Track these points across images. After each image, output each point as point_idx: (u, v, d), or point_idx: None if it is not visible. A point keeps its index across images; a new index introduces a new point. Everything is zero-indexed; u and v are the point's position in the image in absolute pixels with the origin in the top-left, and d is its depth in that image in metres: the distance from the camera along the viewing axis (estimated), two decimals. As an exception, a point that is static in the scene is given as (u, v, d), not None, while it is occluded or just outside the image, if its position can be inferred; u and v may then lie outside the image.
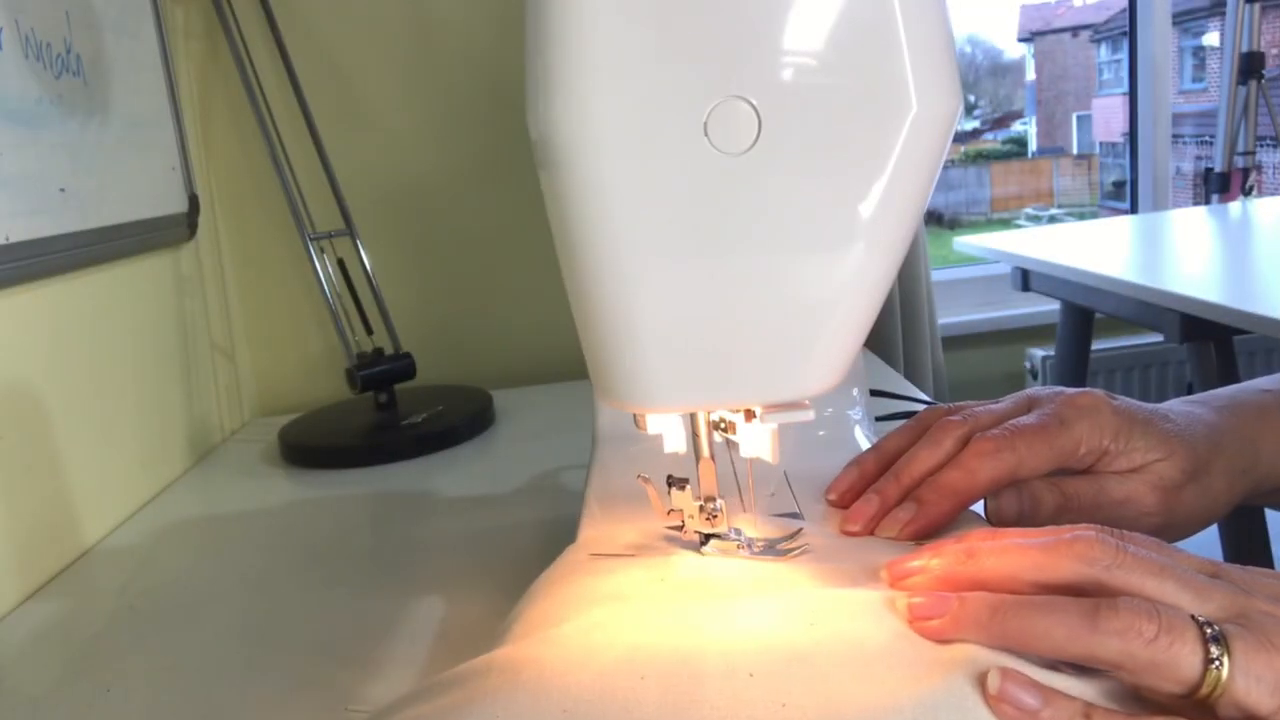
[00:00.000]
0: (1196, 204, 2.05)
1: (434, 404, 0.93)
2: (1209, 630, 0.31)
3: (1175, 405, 0.50)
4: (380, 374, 0.90)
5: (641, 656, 0.33)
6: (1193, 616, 0.31)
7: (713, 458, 0.44)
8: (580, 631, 0.36)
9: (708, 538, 0.43)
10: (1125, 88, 1.97)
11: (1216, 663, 0.30)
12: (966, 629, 0.34)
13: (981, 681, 0.31)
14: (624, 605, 0.38)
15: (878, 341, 1.33)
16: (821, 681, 0.32)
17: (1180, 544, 0.39)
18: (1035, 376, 1.82)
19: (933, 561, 0.37)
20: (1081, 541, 0.34)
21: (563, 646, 0.35)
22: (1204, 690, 0.30)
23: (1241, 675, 0.30)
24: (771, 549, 0.43)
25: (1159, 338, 1.29)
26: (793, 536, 0.44)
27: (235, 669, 0.52)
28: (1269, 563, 1.25)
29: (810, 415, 0.40)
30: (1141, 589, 0.33)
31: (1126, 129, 1.99)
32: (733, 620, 0.36)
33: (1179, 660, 0.30)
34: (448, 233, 1.09)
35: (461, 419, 0.90)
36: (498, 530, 0.67)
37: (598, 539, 0.46)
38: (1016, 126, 3.54)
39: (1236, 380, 1.19)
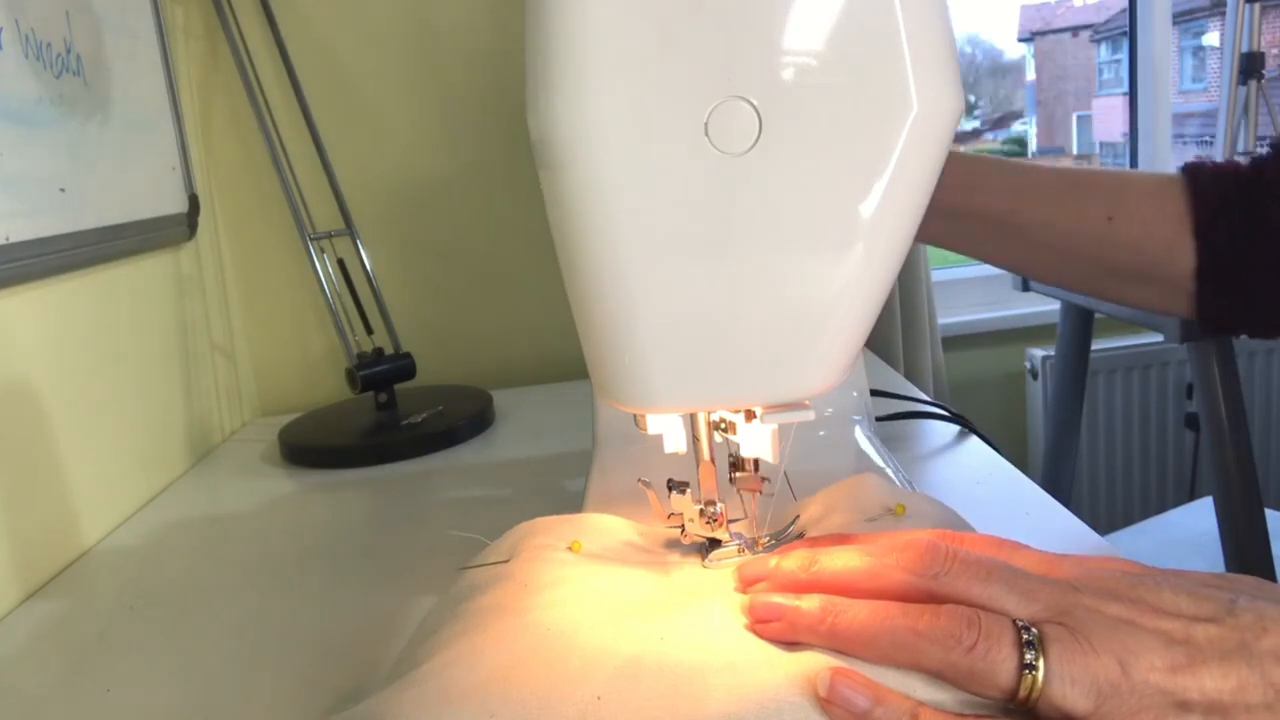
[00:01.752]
0: (1196, 204, 2.04)
1: (434, 404, 0.93)
2: (1025, 635, 0.31)
3: None
4: (380, 374, 0.90)
5: (494, 693, 0.33)
6: (1015, 621, 0.31)
7: (713, 461, 0.44)
8: (436, 670, 0.35)
9: (710, 543, 0.43)
10: (1125, 88, 1.97)
11: (1030, 668, 0.30)
12: (801, 633, 0.34)
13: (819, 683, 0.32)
14: (480, 637, 0.37)
15: (878, 341, 1.33)
16: (671, 693, 0.32)
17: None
18: (1035, 377, 1.82)
19: (780, 564, 0.38)
20: (912, 549, 0.35)
21: (419, 688, 0.34)
22: (1021, 694, 0.30)
23: (1056, 679, 0.30)
24: (773, 545, 0.43)
25: (1159, 338, 1.29)
26: (789, 526, 0.44)
27: (235, 669, 0.52)
28: (1269, 562, 1.25)
29: (810, 415, 0.40)
30: (967, 595, 0.33)
31: (1126, 129, 1.99)
32: (585, 643, 0.36)
33: (996, 668, 0.31)
34: (448, 233, 1.09)
35: (461, 419, 0.90)
36: (498, 530, 0.67)
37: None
38: (1016, 126, 3.54)
39: (1237, 380, 1.19)
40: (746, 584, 0.39)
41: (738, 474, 0.44)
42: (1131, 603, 0.32)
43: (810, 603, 0.35)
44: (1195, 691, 0.30)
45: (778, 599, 0.36)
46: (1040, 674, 0.30)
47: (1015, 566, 0.35)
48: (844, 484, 0.47)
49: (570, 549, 0.43)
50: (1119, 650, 0.30)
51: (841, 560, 0.36)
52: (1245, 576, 0.34)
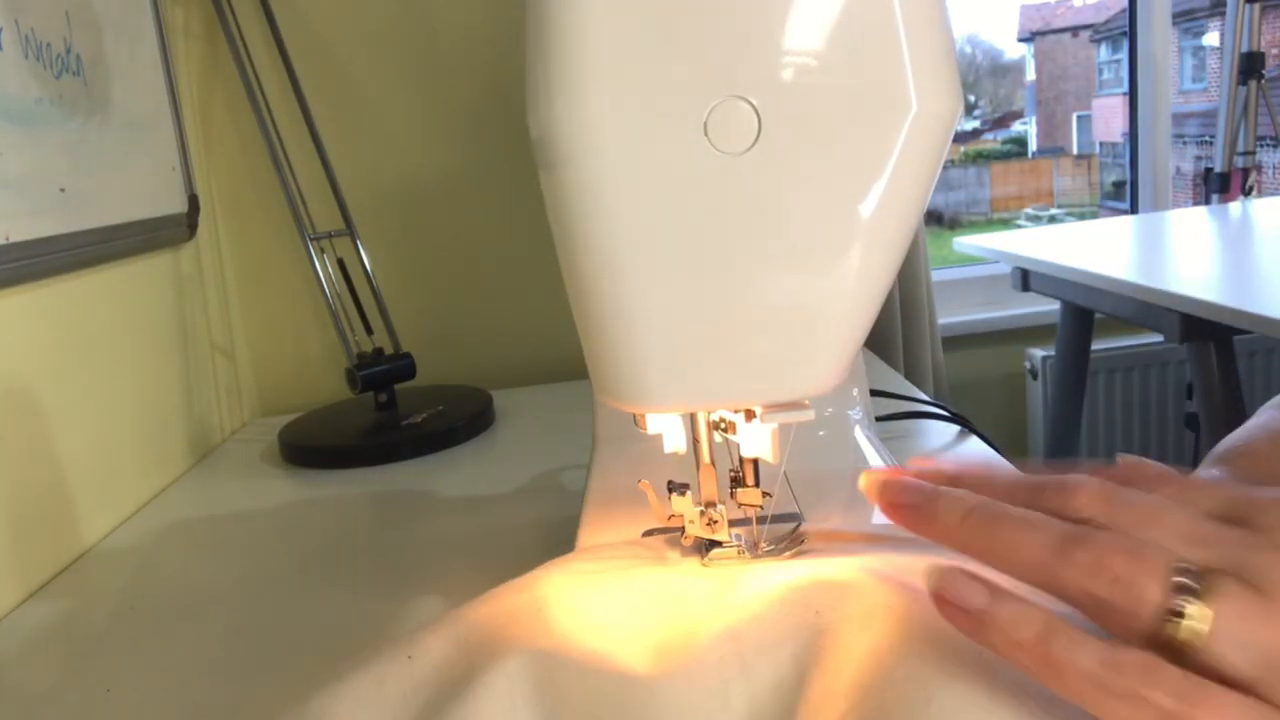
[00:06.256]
0: (1196, 204, 2.05)
1: (434, 404, 0.93)
2: (1184, 579, 0.26)
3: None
4: (380, 374, 0.90)
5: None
6: (1180, 565, 0.26)
7: (713, 463, 0.44)
8: None
9: (710, 544, 0.43)
10: (1125, 88, 1.97)
11: (1177, 614, 0.26)
12: (935, 528, 0.31)
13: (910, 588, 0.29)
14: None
15: (878, 341, 1.33)
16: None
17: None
18: (1035, 377, 1.82)
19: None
20: (1067, 490, 0.30)
21: None
22: (1164, 639, 0.26)
23: (1225, 638, 0.25)
24: (773, 549, 0.43)
25: (1159, 338, 1.29)
26: (792, 534, 0.44)
27: (235, 669, 0.52)
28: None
29: (810, 415, 0.40)
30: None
31: (1126, 129, 1.99)
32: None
33: (1138, 606, 0.26)
34: (448, 233, 1.09)
35: (461, 419, 0.90)
36: (498, 530, 0.67)
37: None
38: (1016, 126, 3.54)
39: (1237, 380, 1.19)
40: (875, 487, 0.34)
41: (739, 490, 0.44)
42: None
43: (951, 496, 0.30)
44: None
45: (922, 484, 0.31)
46: (1199, 625, 0.25)
47: (1194, 510, 0.29)
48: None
49: None
50: None
51: (987, 488, 0.31)
52: None
